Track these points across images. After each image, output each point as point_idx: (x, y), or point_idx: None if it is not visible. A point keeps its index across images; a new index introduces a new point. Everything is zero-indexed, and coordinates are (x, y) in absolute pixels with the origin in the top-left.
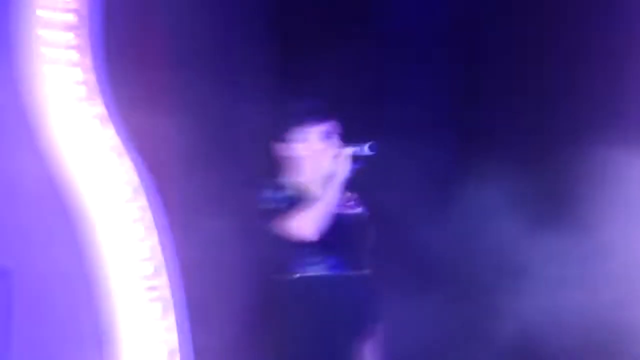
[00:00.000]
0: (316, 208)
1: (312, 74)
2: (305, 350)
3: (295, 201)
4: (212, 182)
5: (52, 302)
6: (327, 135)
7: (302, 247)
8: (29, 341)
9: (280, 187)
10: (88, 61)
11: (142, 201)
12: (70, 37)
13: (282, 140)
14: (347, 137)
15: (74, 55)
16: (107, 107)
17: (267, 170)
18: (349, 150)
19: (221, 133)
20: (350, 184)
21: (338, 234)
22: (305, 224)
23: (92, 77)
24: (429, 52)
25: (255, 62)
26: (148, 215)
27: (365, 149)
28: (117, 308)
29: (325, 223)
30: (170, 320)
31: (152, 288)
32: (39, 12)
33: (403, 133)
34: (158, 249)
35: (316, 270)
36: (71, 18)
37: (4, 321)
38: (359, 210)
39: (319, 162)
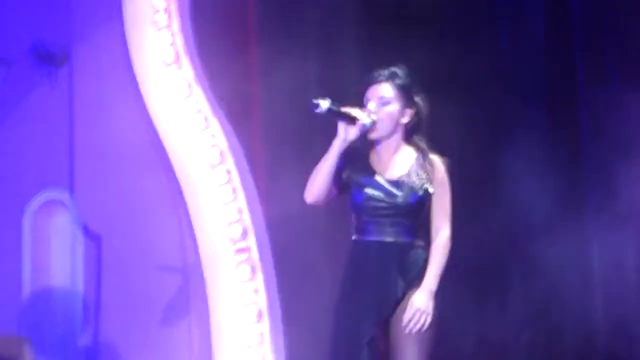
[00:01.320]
0: (316, 171)
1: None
2: (345, 310)
3: None
4: (298, 145)
5: (142, 267)
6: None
7: (360, 213)
8: (117, 304)
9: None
10: (177, 24)
11: (229, 164)
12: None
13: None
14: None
15: (163, 19)
16: (196, 70)
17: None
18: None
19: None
20: None
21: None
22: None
23: (181, 41)
24: None
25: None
26: (235, 178)
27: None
28: (206, 271)
29: (322, 186)
30: (259, 282)
31: (240, 250)
32: None
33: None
34: (246, 211)
35: (370, 235)
36: None
37: (94, 285)
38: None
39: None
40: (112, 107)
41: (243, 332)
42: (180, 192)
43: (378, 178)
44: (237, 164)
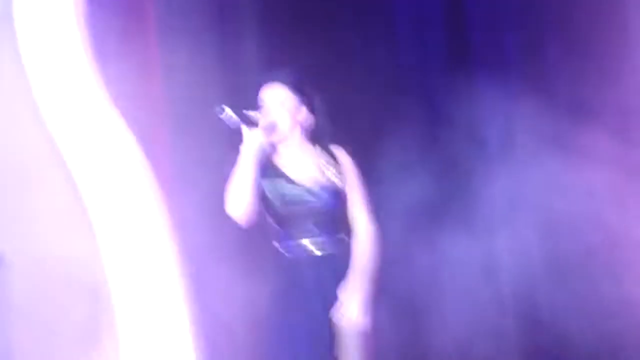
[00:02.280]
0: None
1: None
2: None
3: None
4: (205, 147)
5: (51, 288)
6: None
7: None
8: (28, 328)
9: None
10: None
11: (137, 170)
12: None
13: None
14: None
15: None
16: (99, 75)
17: None
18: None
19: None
20: None
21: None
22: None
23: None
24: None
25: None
26: (145, 184)
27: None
28: (119, 289)
29: (249, 200)
30: (178, 302)
31: (157, 259)
32: None
33: None
34: (156, 217)
35: (297, 249)
36: None
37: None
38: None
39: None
40: (10, 119)
41: (161, 345)
42: (86, 206)
43: (293, 184)
44: (144, 168)
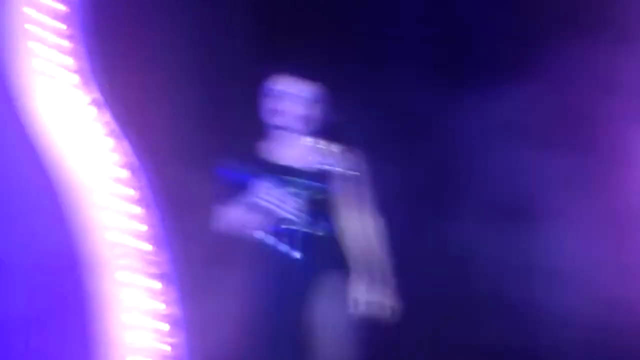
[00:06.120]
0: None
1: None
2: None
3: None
4: (202, 164)
5: (47, 288)
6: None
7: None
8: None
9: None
10: (80, 48)
11: (137, 182)
12: (61, 25)
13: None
14: None
15: (66, 44)
16: (101, 93)
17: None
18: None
19: (214, 115)
20: None
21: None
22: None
23: (84, 64)
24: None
25: (243, 44)
26: (144, 196)
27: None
28: (113, 286)
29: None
30: (170, 295)
31: (151, 264)
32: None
33: None
34: (154, 228)
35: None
36: (61, 6)
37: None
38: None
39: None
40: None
41: (157, 346)
42: (87, 212)
43: (286, 176)
44: (145, 179)
